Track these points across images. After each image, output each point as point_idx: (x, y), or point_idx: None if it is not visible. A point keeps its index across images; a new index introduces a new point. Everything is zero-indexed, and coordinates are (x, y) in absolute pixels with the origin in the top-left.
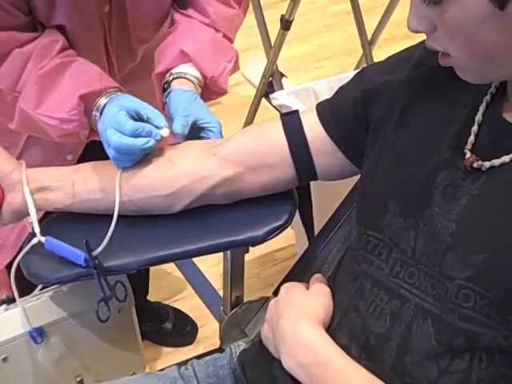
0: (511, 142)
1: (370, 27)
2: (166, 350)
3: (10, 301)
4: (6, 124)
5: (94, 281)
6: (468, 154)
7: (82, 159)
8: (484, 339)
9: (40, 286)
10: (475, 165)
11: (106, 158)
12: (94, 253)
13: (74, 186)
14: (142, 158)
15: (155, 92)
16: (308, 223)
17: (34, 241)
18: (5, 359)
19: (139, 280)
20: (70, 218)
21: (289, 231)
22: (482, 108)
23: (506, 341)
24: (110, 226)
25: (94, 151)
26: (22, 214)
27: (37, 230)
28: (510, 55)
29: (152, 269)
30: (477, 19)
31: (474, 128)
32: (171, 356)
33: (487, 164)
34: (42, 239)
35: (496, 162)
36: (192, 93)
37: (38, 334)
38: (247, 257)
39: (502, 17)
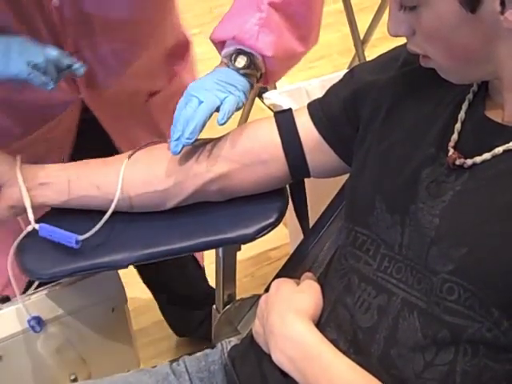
0: (493, 139)
1: (362, 27)
2: (162, 349)
3: (4, 300)
4: None
5: (90, 278)
6: (451, 151)
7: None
8: (468, 332)
9: (36, 283)
10: (457, 162)
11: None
12: (84, 236)
13: (70, 183)
14: (137, 154)
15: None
16: (303, 220)
17: (29, 228)
18: (0, 358)
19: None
20: (66, 213)
21: (283, 230)
22: (464, 106)
23: (489, 333)
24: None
25: (82, 153)
26: (20, 209)
27: (31, 217)
28: (487, 55)
29: None
30: (451, 23)
31: (457, 126)
32: (168, 354)
33: (469, 161)
34: (36, 226)
35: (478, 159)
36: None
37: (37, 323)
38: (242, 255)
39: (474, 20)
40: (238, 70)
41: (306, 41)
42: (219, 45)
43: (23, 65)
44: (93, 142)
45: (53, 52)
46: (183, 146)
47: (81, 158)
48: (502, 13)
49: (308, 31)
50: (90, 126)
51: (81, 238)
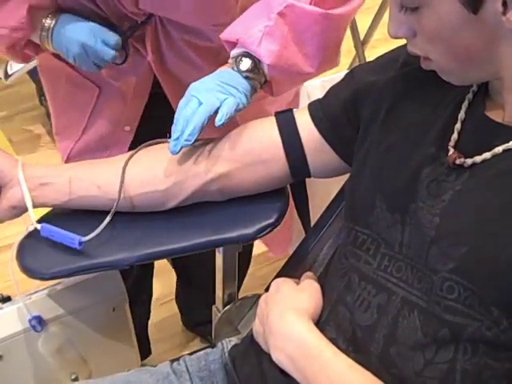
0: (493, 138)
1: (363, 28)
2: (162, 348)
3: (5, 300)
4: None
5: (90, 278)
6: (451, 151)
7: (140, 132)
8: (468, 330)
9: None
10: (458, 161)
11: (163, 129)
12: (87, 237)
13: (71, 183)
14: (138, 154)
15: None
16: (305, 220)
17: (30, 228)
18: (0, 357)
19: None
20: (67, 214)
21: None
22: (464, 106)
23: (489, 332)
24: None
25: (150, 122)
26: (22, 209)
27: (32, 217)
28: (489, 56)
29: None
30: (452, 24)
31: (458, 125)
32: (168, 354)
33: (469, 161)
34: (38, 226)
35: (478, 158)
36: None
37: (38, 322)
38: None
39: (476, 20)
40: (241, 72)
41: (314, 60)
42: (229, 45)
43: (90, 66)
44: (160, 116)
45: (111, 51)
46: (182, 147)
47: (147, 130)
48: (504, 13)
49: (318, 51)
50: (160, 100)
51: (84, 239)
